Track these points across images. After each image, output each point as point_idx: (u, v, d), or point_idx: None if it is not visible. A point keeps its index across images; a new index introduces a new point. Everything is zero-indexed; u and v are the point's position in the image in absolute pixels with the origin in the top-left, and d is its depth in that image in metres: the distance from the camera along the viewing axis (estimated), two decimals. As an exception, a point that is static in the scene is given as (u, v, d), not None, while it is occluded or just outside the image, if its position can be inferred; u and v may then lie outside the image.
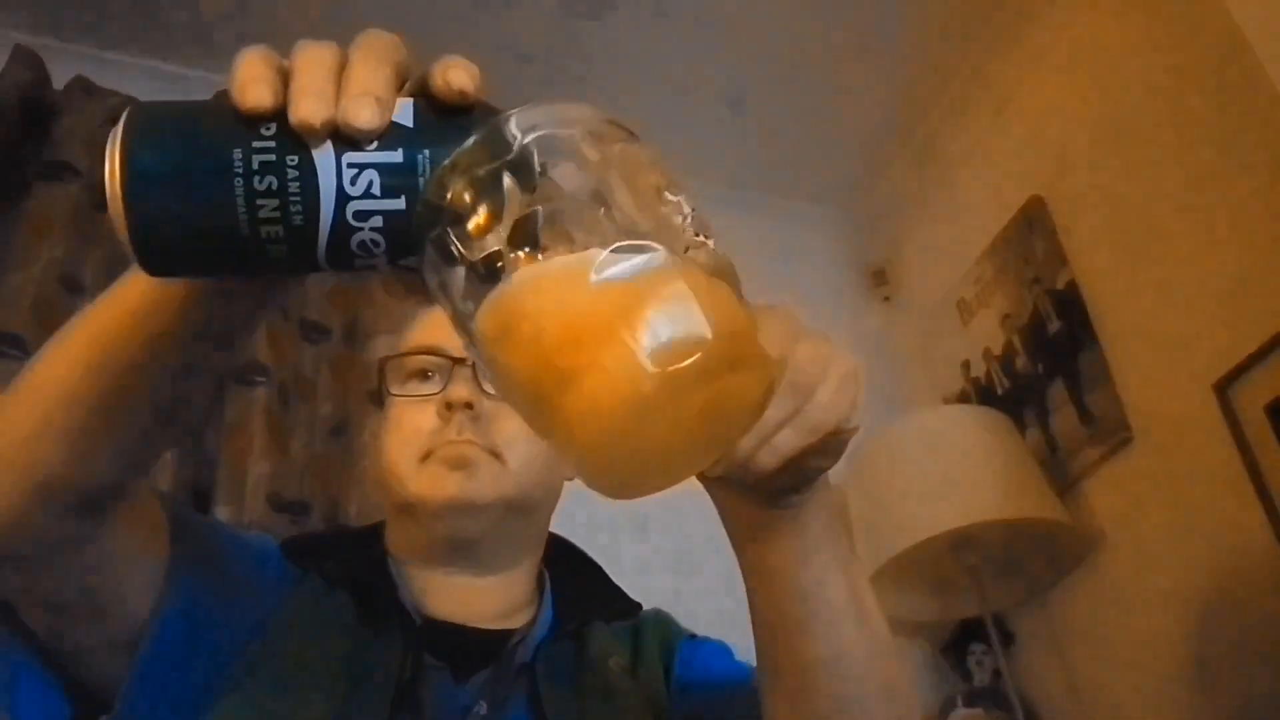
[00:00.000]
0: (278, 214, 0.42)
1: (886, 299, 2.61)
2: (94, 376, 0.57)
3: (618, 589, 0.94)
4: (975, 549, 1.84)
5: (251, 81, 0.42)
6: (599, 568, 0.97)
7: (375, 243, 0.43)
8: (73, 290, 1.65)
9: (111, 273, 1.70)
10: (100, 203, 1.72)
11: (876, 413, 2.16)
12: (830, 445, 0.51)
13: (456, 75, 0.44)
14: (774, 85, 2.32)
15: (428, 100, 0.45)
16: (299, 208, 0.42)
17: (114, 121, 0.44)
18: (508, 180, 0.39)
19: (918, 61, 2.29)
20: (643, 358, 0.36)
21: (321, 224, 0.42)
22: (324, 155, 0.42)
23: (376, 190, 0.42)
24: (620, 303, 0.36)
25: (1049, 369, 2.04)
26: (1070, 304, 1.99)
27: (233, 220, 0.42)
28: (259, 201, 0.42)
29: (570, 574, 0.93)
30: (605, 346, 0.36)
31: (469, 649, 0.80)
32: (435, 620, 0.82)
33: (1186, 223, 1.76)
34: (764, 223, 2.56)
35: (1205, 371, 1.68)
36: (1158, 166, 1.83)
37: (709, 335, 0.37)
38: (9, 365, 1.53)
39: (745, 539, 0.60)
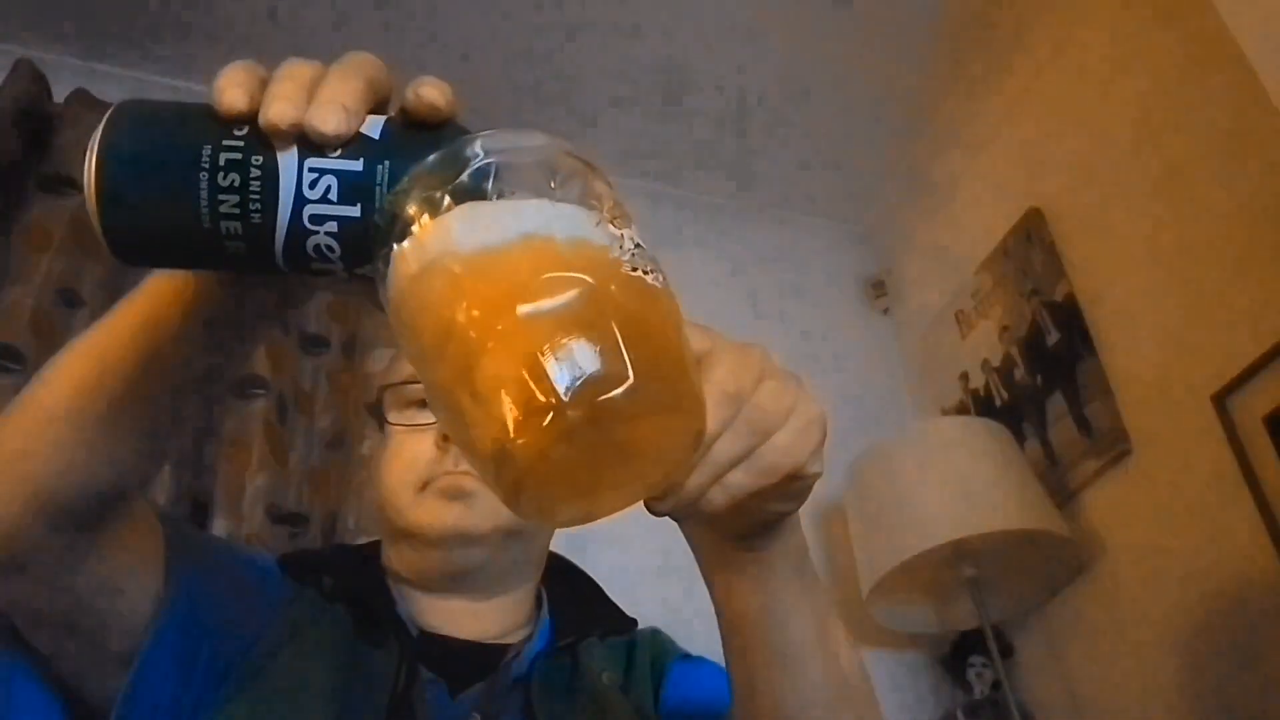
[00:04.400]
0: (237, 210, 0.44)
1: (885, 310, 2.61)
2: (95, 391, 0.58)
3: (614, 605, 0.95)
4: (974, 561, 1.84)
5: (230, 86, 0.44)
6: (596, 584, 0.97)
7: (330, 248, 0.45)
8: (71, 304, 1.66)
9: (111, 287, 1.71)
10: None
11: (875, 424, 2.16)
12: (789, 490, 0.49)
13: (427, 91, 0.45)
14: (775, 97, 2.33)
15: (400, 117, 0.46)
16: (257, 206, 0.44)
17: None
18: (450, 202, 0.40)
19: (917, 73, 2.29)
20: (559, 391, 0.36)
21: (278, 224, 0.44)
22: (287, 158, 0.44)
23: (334, 196, 0.44)
24: (543, 335, 0.36)
25: (1048, 381, 2.04)
26: (1069, 316, 1.99)
27: (195, 213, 0.44)
28: (220, 197, 0.44)
29: (567, 590, 0.94)
30: (523, 376, 0.36)
31: (464, 662, 0.81)
32: (431, 633, 0.83)
33: (1184, 234, 1.76)
34: (764, 234, 2.57)
35: (1203, 383, 1.68)
36: (1155, 179, 1.83)
37: (628, 374, 0.36)
38: (7, 379, 1.53)
39: (714, 577, 0.59)
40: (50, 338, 1.59)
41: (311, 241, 0.45)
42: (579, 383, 0.36)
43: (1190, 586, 1.70)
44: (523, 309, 0.37)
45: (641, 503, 0.45)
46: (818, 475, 0.49)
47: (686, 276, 0.42)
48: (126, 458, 0.62)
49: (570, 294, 0.37)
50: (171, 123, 0.46)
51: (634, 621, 0.93)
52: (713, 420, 0.43)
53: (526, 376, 0.36)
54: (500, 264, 0.38)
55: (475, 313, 0.37)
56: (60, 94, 1.83)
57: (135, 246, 0.47)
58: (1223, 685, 1.63)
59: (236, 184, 0.44)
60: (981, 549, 1.84)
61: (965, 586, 1.86)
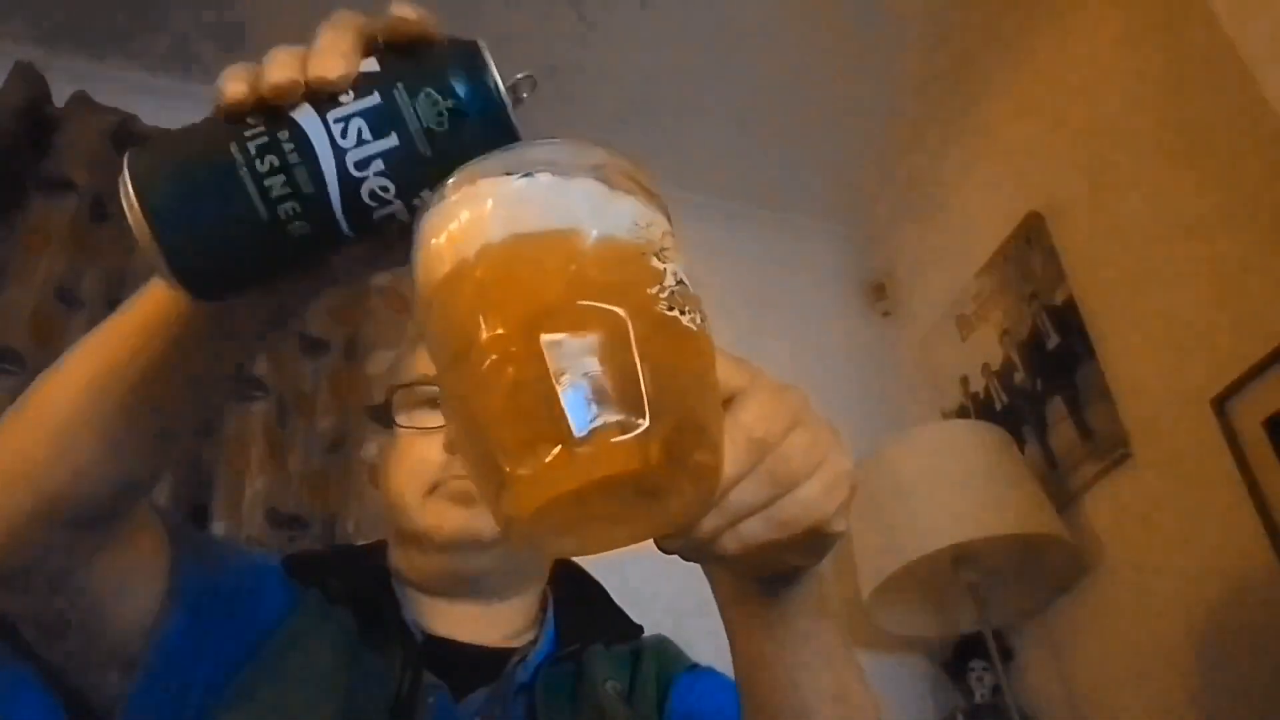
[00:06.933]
0: (288, 189, 0.44)
1: (886, 314, 2.61)
2: (100, 394, 0.58)
3: (620, 612, 0.94)
4: (975, 565, 1.84)
5: (229, 81, 0.45)
6: (603, 590, 0.96)
7: (384, 188, 0.45)
8: (71, 305, 1.65)
9: (110, 288, 1.71)
10: (99, 216, 1.73)
11: (875, 428, 2.16)
12: (809, 544, 0.47)
13: (400, 9, 0.46)
14: (775, 100, 2.33)
15: (388, 46, 0.47)
16: (305, 174, 0.44)
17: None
18: (493, 207, 0.40)
19: (918, 77, 2.30)
20: (572, 427, 0.35)
21: (329, 184, 0.44)
22: (309, 119, 0.44)
23: (367, 135, 0.45)
24: (563, 366, 0.35)
25: (1048, 384, 2.04)
26: (1069, 319, 2.00)
27: (251, 211, 0.44)
28: (267, 182, 0.44)
29: (573, 596, 0.93)
30: (536, 406, 0.35)
31: (469, 667, 0.80)
32: (436, 637, 0.82)
33: (1184, 238, 1.76)
34: (764, 237, 2.57)
35: (1203, 387, 1.68)
36: (1155, 183, 1.83)
37: (644, 418, 0.35)
38: (7, 380, 1.52)
39: (730, 617, 0.58)
40: (49, 339, 1.58)
41: (366, 188, 0.45)
42: (592, 421, 0.35)
43: (1190, 589, 1.69)
44: (546, 337, 0.35)
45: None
46: (841, 534, 0.47)
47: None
48: (133, 460, 0.61)
49: (598, 327, 0.36)
50: (188, 148, 0.46)
51: (640, 629, 0.92)
52: (734, 464, 0.42)
53: (540, 407, 0.35)
54: (532, 284, 0.37)
55: (499, 330, 0.36)
56: (60, 97, 1.83)
57: (208, 274, 0.46)
58: (1224, 688, 1.63)
59: (277, 164, 0.44)
60: (982, 553, 1.84)
61: (966, 590, 1.86)
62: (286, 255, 0.47)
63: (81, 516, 0.62)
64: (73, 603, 0.66)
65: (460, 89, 0.45)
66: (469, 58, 0.46)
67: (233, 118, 0.45)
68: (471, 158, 0.41)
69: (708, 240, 2.44)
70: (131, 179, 0.45)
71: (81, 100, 1.82)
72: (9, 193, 1.70)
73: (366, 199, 0.45)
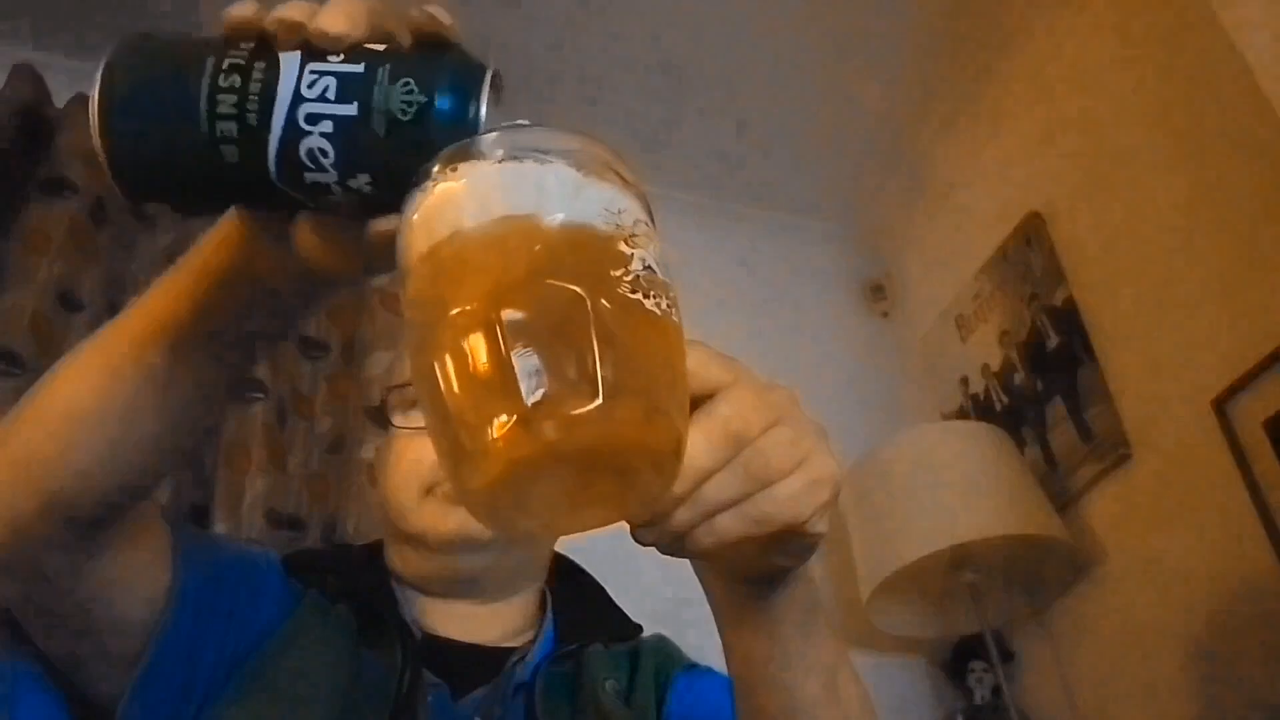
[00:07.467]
0: (234, 110, 0.45)
1: (885, 314, 2.61)
2: (102, 398, 0.59)
3: (619, 611, 0.94)
4: (974, 565, 1.84)
5: (237, 5, 0.46)
6: (602, 589, 0.97)
7: (324, 151, 0.45)
8: (71, 308, 1.65)
9: (111, 290, 1.71)
10: (99, 218, 1.74)
11: (875, 429, 2.16)
12: (788, 544, 0.47)
13: (435, 8, 0.46)
14: (772, 100, 2.33)
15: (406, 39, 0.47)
16: (255, 105, 0.45)
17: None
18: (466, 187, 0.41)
19: (916, 76, 2.30)
20: (522, 400, 0.35)
21: (274, 123, 0.45)
22: (290, 59, 0.45)
23: (331, 95, 0.45)
24: (519, 342, 0.36)
25: (1048, 385, 2.04)
26: (1069, 320, 2.00)
27: (192, 117, 0.45)
28: (219, 97, 0.45)
29: (573, 595, 0.93)
30: (491, 380, 0.36)
31: (468, 666, 0.81)
32: (435, 636, 0.83)
33: (1184, 239, 1.76)
34: (762, 237, 2.56)
35: (1204, 388, 1.68)
36: (1155, 183, 1.83)
37: (597, 395, 0.35)
38: (8, 382, 1.53)
39: (722, 617, 0.58)
40: (50, 341, 1.58)
41: (305, 144, 0.45)
42: (542, 395, 0.35)
43: (1190, 590, 1.69)
44: (505, 313, 0.36)
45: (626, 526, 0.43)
46: (821, 535, 0.47)
47: (685, 280, 0.41)
48: (134, 462, 0.62)
49: (557, 305, 0.37)
50: (175, 45, 0.47)
51: (639, 628, 0.92)
52: (709, 456, 0.42)
53: (494, 380, 0.36)
54: (497, 263, 0.38)
55: (463, 308, 0.37)
56: (60, 98, 1.83)
57: (132, 164, 0.47)
58: (1223, 689, 1.63)
59: (237, 85, 0.45)
60: (981, 554, 1.84)
61: (965, 591, 1.85)
62: (207, 173, 0.46)
63: (83, 517, 0.62)
64: (78, 597, 0.67)
65: (442, 97, 0.45)
66: (469, 77, 0.46)
67: (228, 39, 0.46)
68: (424, 159, 0.42)
69: (707, 240, 2.45)
70: (116, 45, 0.47)
71: (82, 101, 1.82)
72: (9, 194, 1.71)
73: (304, 155, 0.45)
